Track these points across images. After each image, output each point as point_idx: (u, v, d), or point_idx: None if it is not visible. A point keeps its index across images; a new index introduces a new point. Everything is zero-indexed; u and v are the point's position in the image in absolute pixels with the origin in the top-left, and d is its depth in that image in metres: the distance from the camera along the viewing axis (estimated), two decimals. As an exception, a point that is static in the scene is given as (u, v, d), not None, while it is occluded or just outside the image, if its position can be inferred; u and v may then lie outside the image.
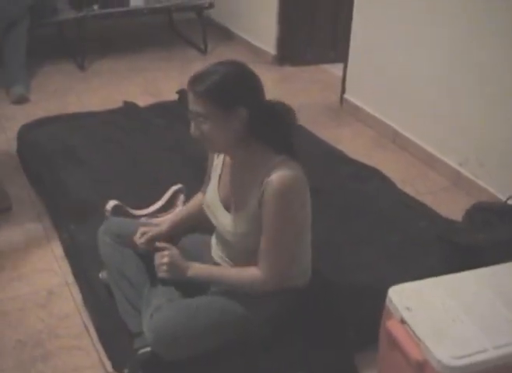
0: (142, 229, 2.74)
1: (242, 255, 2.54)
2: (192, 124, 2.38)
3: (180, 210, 3.08)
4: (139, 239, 2.71)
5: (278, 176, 2.31)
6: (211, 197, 2.64)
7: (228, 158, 2.56)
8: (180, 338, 2.45)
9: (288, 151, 2.43)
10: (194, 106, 2.32)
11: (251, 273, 2.48)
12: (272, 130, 2.41)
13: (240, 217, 2.48)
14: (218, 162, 2.65)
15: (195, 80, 2.32)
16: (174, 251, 2.56)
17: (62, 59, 6.16)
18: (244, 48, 6.52)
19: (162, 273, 2.53)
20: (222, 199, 2.59)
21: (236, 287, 2.54)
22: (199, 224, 2.84)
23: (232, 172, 2.55)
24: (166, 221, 2.90)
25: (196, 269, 2.56)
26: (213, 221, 2.64)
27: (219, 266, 2.66)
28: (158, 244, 2.66)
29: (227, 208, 2.56)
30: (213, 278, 2.59)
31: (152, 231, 2.74)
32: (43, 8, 5.73)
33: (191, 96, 2.33)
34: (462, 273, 2.46)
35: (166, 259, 2.51)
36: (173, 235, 2.80)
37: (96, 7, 5.99)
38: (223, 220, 2.56)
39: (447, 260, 3.10)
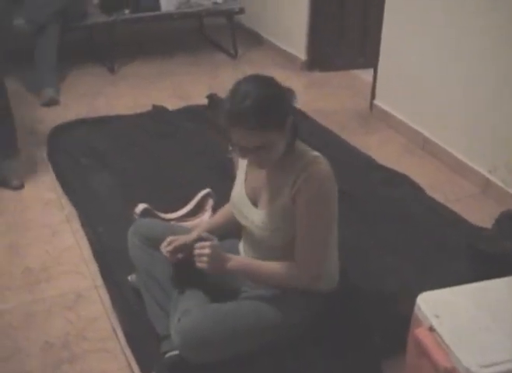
0: (169, 238, 2.70)
1: (270, 252, 2.54)
2: (255, 159, 2.40)
3: (209, 219, 3.04)
4: (165, 248, 2.69)
5: (315, 171, 2.36)
6: (238, 194, 2.65)
7: None
8: (207, 342, 2.45)
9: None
10: (249, 141, 2.30)
11: (289, 266, 2.48)
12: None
13: (272, 211, 2.48)
14: (243, 164, 2.66)
15: (240, 117, 2.28)
16: (216, 242, 2.54)
17: (92, 62, 6.21)
18: (274, 53, 6.52)
19: (201, 263, 2.48)
20: (249, 195, 2.60)
21: (273, 281, 2.54)
22: (228, 233, 2.84)
23: (264, 173, 2.54)
24: (195, 228, 2.87)
25: (235, 261, 2.54)
26: (240, 218, 2.65)
27: (257, 260, 2.61)
28: (202, 234, 2.63)
29: (254, 204, 2.57)
30: (251, 272, 2.57)
31: (180, 240, 2.69)
32: (74, 12, 5.77)
33: (241, 133, 2.29)
34: (491, 281, 2.44)
35: (207, 250, 2.47)
36: None
37: (126, 11, 6.03)
38: (252, 215, 2.56)
39: (475, 268, 3.07)
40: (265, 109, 2.28)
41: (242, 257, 2.65)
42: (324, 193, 2.40)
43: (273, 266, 2.52)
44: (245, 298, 2.62)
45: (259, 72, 2.43)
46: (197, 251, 2.50)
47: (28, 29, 5.39)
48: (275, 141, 2.32)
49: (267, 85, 2.36)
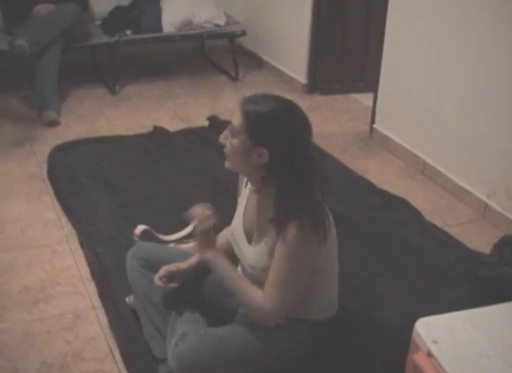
0: (163, 271, 2.70)
1: (262, 287, 2.50)
2: (225, 132, 2.40)
3: None
4: (159, 281, 2.69)
5: (292, 226, 2.29)
6: (236, 227, 2.64)
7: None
8: (203, 367, 2.46)
9: (309, 195, 2.39)
10: (235, 118, 2.35)
11: (256, 295, 2.44)
12: (297, 179, 2.36)
13: (259, 250, 2.47)
14: (245, 192, 2.65)
15: (250, 100, 2.36)
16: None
17: (94, 83, 6.22)
18: (274, 76, 6.55)
19: (197, 224, 2.51)
20: (246, 230, 2.58)
21: (239, 297, 2.52)
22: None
23: (255, 204, 2.54)
24: (194, 251, 2.86)
25: (218, 257, 2.54)
26: (236, 251, 2.64)
27: (237, 273, 2.59)
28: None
29: (249, 240, 2.56)
30: (225, 277, 2.53)
31: (174, 266, 2.71)
32: (77, 33, 5.79)
33: (237, 109, 2.36)
34: (490, 307, 2.44)
35: (209, 218, 2.50)
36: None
37: (128, 32, 6.05)
38: (245, 251, 2.56)
39: (474, 293, 3.08)
40: (262, 117, 2.31)
41: (226, 260, 2.56)
42: (299, 252, 2.33)
43: (244, 288, 2.49)
44: (241, 322, 2.61)
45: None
46: (198, 210, 2.53)
47: (30, 50, 5.40)
48: (240, 143, 2.33)
49: (287, 117, 2.34)
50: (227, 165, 2.45)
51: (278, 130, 2.31)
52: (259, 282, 2.47)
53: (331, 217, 2.45)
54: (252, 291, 2.47)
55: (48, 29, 5.50)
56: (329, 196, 2.48)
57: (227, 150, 2.39)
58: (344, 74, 6.11)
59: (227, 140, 2.38)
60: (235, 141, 2.34)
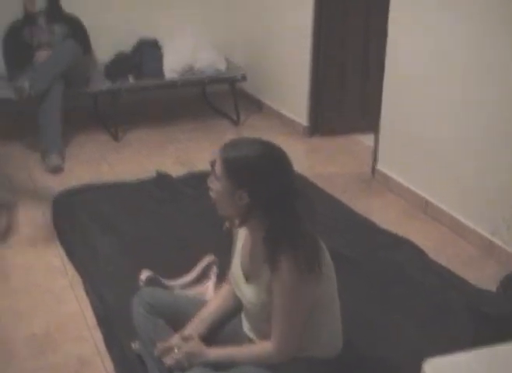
0: (163, 348, 2.70)
1: (264, 324, 2.55)
2: (210, 177, 2.50)
3: (207, 307, 2.97)
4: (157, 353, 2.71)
5: (284, 261, 2.36)
6: (235, 267, 2.68)
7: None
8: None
9: (297, 229, 2.45)
10: (216, 164, 2.45)
11: (261, 346, 2.55)
12: (282, 215, 2.43)
13: (257, 287, 2.52)
14: (241, 233, 2.69)
15: (228, 146, 2.47)
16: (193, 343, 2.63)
17: (96, 129, 6.26)
18: (275, 119, 6.58)
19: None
20: (243, 269, 2.63)
21: (251, 363, 2.55)
22: (230, 314, 2.82)
23: (249, 243, 2.60)
24: (199, 296, 2.89)
25: (214, 353, 2.61)
26: (236, 291, 2.68)
27: (234, 346, 2.65)
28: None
29: (247, 279, 2.60)
30: (232, 358, 2.60)
31: (168, 342, 2.70)
32: (77, 77, 5.86)
33: (218, 155, 2.45)
34: (499, 347, 2.42)
35: (178, 356, 2.59)
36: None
37: (130, 78, 6.12)
38: (244, 290, 2.60)
39: (479, 331, 3.07)
40: (239, 162, 2.41)
41: (221, 348, 2.65)
42: (294, 289, 2.39)
43: (248, 351, 2.59)
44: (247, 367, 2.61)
45: (262, 138, 2.51)
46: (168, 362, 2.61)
47: (32, 91, 5.46)
48: (222, 187, 2.43)
49: (263, 161, 2.43)
50: (218, 211, 2.55)
51: (255, 172, 2.41)
52: (261, 319, 2.54)
53: (323, 246, 2.51)
54: (254, 347, 2.59)
55: (48, 71, 5.58)
56: (329, 234, 2.52)
57: (212, 194, 2.50)
58: (345, 115, 6.15)
59: (212, 186, 2.49)
60: (218, 186, 2.45)
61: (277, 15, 6.46)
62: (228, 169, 2.40)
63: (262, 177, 2.40)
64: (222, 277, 3.01)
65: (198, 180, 4.97)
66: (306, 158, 5.45)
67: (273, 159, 2.44)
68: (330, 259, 2.53)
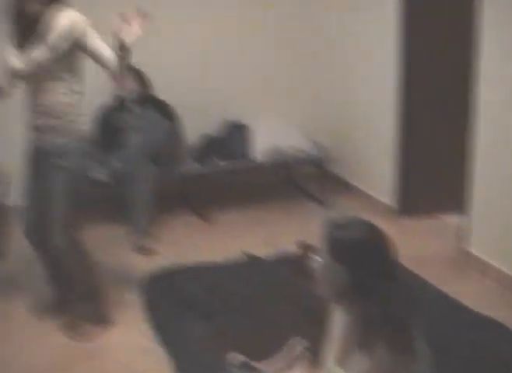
0: None
1: None
2: (313, 256, 2.49)
3: None
4: None
5: (379, 346, 2.31)
6: (326, 350, 2.64)
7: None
8: None
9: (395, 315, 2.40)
10: (320, 242, 2.43)
11: None
12: (381, 300, 2.39)
13: (349, 370, 2.44)
14: (335, 316, 2.64)
15: (333, 225, 2.45)
16: None
17: (184, 209, 6.35)
18: (363, 200, 6.58)
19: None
20: (335, 351, 2.56)
21: None
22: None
23: (343, 325, 2.54)
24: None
25: None
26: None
27: None
28: None
29: (339, 362, 2.53)
30: None
31: None
32: (166, 159, 6.00)
33: (322, 234, 2.43)
34: None
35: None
36: None
37: (218, 161, 6.22)
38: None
39: None
40: (346, 242, 2.40)
41: None
42: (388, 371, 2.34)
43: None
44: None
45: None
46: None
47: (121, 175, 5.60)
48: (325, 264, 2.40)
49: (370, 245, 2.42)
50: (317, 289, 2.51)
51: (361, 253, 2.39)
52: None
53: (417, 328, 2.44)
54: None
55: (139, 153, 5.74)
56: (420, 317, 2.46)
57: (313, 272, 2.49)
58: (434, 195, 6.08)
59: (314, 262, 2.48)
60: (320, 264, 2.44)
61: (363, 96, 6.52)
62: (333, 249, 2.39)
63: (368, 258, 2.38)
64: (312, 361, 2.97)
65: (286, 262, 4.98)
66: (394, 240, 5.34)
67: (378, 241, 2.43)
68: (423, 341, 2.46)
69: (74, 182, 4.03)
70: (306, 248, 4.92)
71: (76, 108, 4.00)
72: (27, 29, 3.75)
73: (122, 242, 5.59)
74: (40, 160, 3.99)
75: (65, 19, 3.75)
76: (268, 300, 4.40)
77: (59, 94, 3.90)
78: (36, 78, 3.85)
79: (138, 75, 6.05)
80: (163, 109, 6.16)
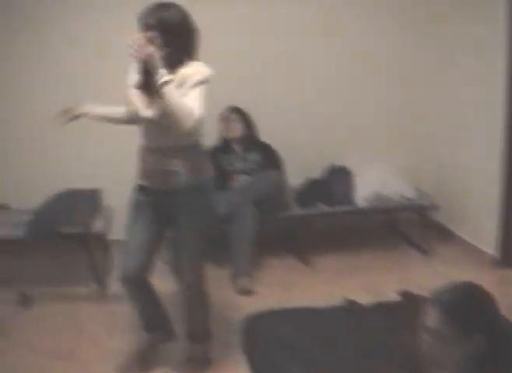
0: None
1: None
2: (423, 336, 2.43)
3: None
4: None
5: None
6: None
7: None
8: None
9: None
10: (431, 319, 2.38)
11: None
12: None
13: None
14: None
15: (440, 295, 2.43)
16: None
17: (286, 252, 6.41)
18: (465, 249, 6.47)
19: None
20: None
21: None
22: None
23: None
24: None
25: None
26: None
27: None
28: None
29: None
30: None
31: None
32: (273, 203, 6.08)
33: (433, 313, 2.39)
34: None
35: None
36: None
37: (321, 205, 6.25)
38: None
39: None
40: (463, 306, 2.38)
41: None
42: None
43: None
44: None
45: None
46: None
47: (225, 214, 5.71)
48: (447, 341, 2.36)
49: (479, 294, 2.43)
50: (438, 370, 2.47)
51: (482, 308, 2.40)
52: None
53: None
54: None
55: (243, 195, 5.83)
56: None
57: (432, 354, 2.45)
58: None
59: (429, 344, 2.44)
60: (440, 341, 2.38)
61: (464, 142, 6.48)
62: (451, 317, 2.35)
63: (488, 313, 2.39)
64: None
65: (387, 310, 4.93)
66: (496, 292, 5.21)
67: (484, 298, 2.44)
68: None
69: (209, 219, 4.09)
70: (410, 298, 4.89)
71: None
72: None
73: (223, 282, 5.67)
74: (169, 199, 3.95)
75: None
76: (370, 348, 4.37)
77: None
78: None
79: (244, 117, 6.17)
80: (268, 154, 6.26)
